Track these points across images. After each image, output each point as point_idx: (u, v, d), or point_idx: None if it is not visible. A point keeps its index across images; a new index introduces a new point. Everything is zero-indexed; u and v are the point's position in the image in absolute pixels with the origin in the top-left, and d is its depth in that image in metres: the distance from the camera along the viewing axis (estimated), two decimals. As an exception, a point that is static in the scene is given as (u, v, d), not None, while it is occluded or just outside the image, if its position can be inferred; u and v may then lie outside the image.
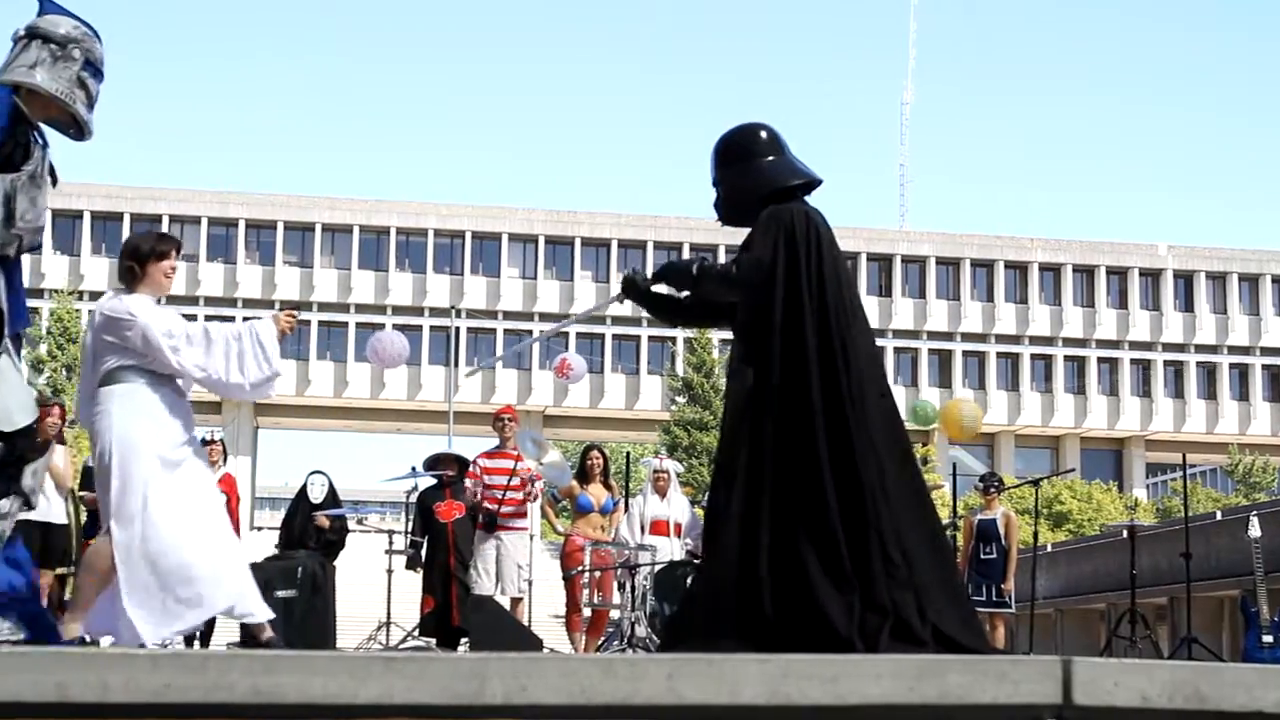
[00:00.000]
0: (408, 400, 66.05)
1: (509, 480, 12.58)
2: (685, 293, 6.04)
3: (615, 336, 67.39)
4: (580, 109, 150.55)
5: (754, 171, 5.89)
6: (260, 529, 53.49)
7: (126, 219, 64.63)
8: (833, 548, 5.26)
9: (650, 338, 67.34)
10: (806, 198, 5.93)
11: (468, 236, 67.35)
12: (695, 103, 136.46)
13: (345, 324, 66.10)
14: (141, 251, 6.60)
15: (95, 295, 57.32)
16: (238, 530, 13.26)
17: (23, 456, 5.58)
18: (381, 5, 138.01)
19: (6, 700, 3.15)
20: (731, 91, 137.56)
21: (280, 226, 66.20)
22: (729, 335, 5.95)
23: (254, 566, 13.24)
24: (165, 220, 64.93)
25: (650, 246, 66.88)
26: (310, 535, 13.97)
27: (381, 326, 51.22)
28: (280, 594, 12.76)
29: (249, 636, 6.55)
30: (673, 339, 65.88)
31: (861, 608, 5.16)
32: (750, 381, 5.61)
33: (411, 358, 43.64)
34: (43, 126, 5.76)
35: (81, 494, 12.86)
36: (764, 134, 5.97)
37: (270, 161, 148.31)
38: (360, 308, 66.25)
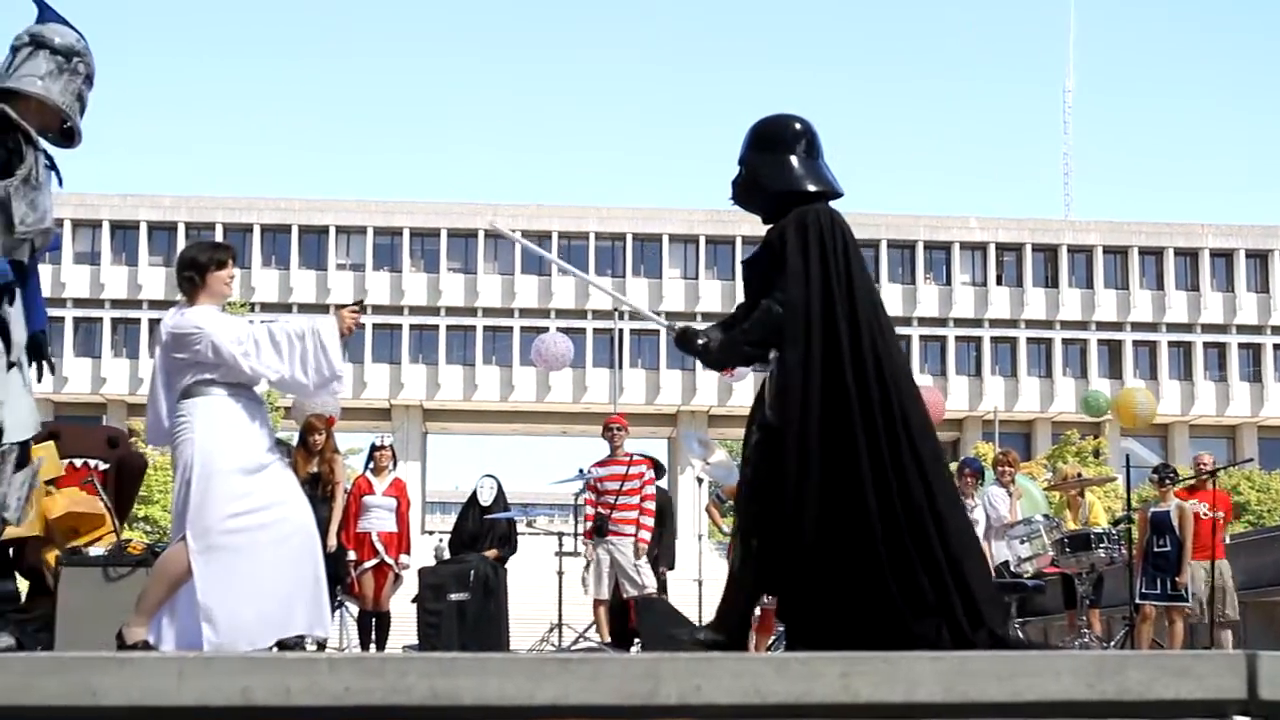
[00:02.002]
0: (573, 402, 66.53)
1: (620, 486, 12.90)
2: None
3: (778, 334, 67.08)
4: (740, 108, 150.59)
5: (778, 165, 5.88)
6: (431, 533, 54.14)
7: (294, 230, 66.01)
8: (876, 557, 5.33)
9: (813, 335, 66.95)
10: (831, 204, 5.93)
11: (629, 238, 67.65)
12: (857, 99, 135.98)
13: (510, 328, 66.78)
14: (199, 262, 6.62)
15: (265, 307, 58.54)
16: (407, 535, 13.49)
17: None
18: (535, 7, 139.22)
19: (192, 704, 3.23)
20: (896, 85, 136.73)
21: (444, 234, 67.04)
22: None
23: (427, 570, 13.51)
24: (331, 231, 66.23)
25: (810, 244, 66.51)
26: (483, 538, 14.15)
27: (545, 330, 51.52)
28: (453, 597, 13.00)
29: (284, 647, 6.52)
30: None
31: (913, 615, 5.25)
32: (789, 384, 5.62)
33: (576, 360, 43.92)
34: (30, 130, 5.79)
35: None
36: (798, 126, 5.96)
37: (435, 169, 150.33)
38: (524, 312, 66.88)
